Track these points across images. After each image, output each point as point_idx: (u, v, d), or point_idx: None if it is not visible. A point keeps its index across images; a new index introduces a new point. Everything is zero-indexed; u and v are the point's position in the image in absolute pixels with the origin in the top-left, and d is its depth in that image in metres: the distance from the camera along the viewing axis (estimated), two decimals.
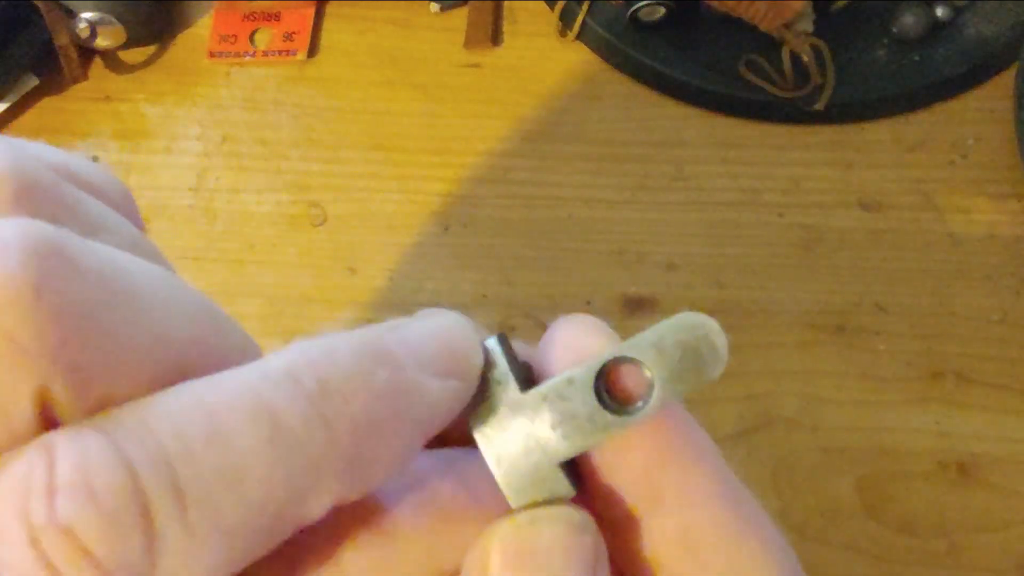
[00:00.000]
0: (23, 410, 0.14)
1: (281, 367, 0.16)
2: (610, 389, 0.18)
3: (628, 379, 0.18)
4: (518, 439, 0.18)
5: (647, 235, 0.49)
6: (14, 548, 0.13)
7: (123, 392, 0.15)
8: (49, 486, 0.13)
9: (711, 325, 0.18)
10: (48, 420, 0.15)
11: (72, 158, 0.18)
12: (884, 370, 0.45)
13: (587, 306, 0.47)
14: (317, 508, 0.16)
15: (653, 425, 0.18)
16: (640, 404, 0.18)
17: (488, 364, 0.19)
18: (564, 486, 0.18)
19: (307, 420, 0.15)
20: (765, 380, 0.45)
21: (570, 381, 0.18)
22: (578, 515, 0.18)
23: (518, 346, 0.20)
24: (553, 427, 0.18)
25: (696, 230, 0.49)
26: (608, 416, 0.18)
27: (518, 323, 0.46)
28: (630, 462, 0.18)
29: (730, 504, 0.18)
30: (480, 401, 0.19)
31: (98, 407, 0.15)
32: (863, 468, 0.43)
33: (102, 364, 0.15)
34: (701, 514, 0.18)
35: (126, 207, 0.19)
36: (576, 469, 0.19)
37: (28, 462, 0.14)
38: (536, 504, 0.18)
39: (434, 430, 0.18)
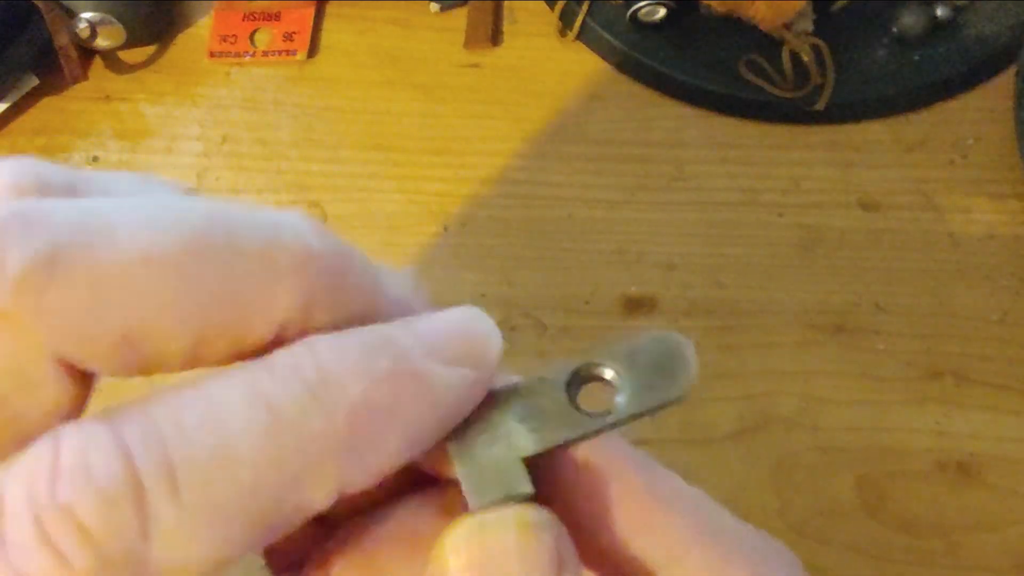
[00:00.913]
0: (38, 363, 0.15)
1: (284, 359, 0.16)
2: (580, 396, 0.18)
3: (600, 387, 0.18)
4: (483, 430, 0.18)
5: (647, 235, 0.49)
6: (20, 527, 0.14)
7: (132, 318, 0.15)
8: (53, 470, 0.14)
9: (685, 343, 0.18)
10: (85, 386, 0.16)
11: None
12: (884, 370, 0.45)
13: (587, 306, 0.47)
14: (320, 496, 0.16)
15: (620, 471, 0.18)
16: (610, 411, 0.18)
17: None
18: (524, 483, 0.18)
19: (302, 404, 0.15)
20: (764, 380, 0.45)
21: (542, 380, 0.18)
22: (536, 514, 0.17)
23: None
24: (521, 420, 0.18)
25: (696, 230, 0.49)
26: (577, 415, 0.18)
27: (518, 323, 0.46)
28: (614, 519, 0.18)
29: (711, 543, 0.18)
30: None
31: (123, 345, 0.15)
32: (863, 468, 0.43)
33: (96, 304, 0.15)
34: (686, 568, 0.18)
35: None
36: (540, 475, 0.19)
37: (37, 449, 0.15)
38: (494, 503, 0.17)
39: (448, 420, 0.17)
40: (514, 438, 0.18)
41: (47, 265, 0.15)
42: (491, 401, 0.18)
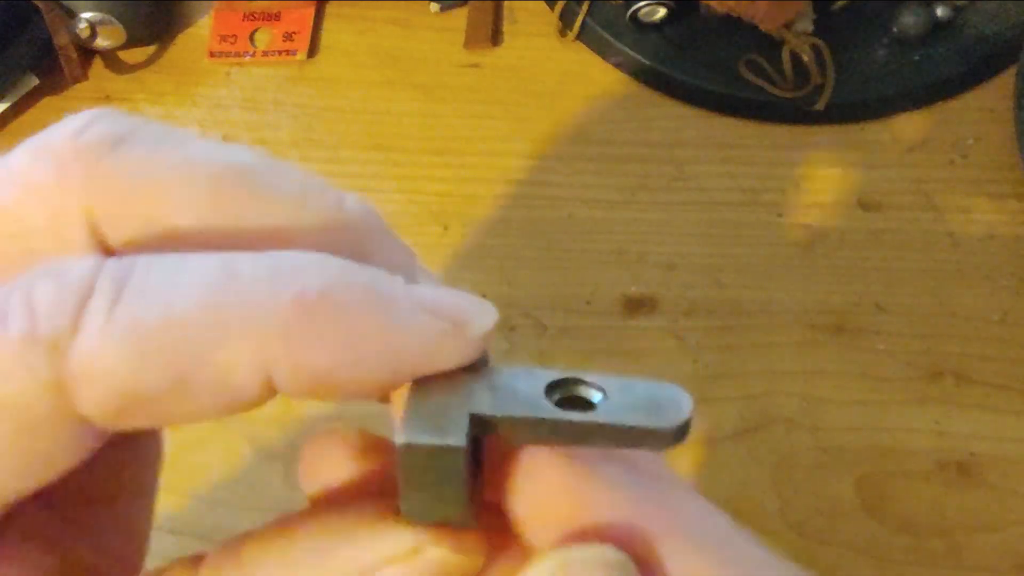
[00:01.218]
0: (75, 226, 0.17)
1: (271, 251, 0.17)
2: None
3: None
4: (449, 386, 0.17)
5: (647, 235, 0.49)
6: None
7: (161, 214, 0.17)
8: (41, 271, 0.16)
9: (686, 394, 0.17)
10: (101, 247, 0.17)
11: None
12: (884, 370, 0.45)
13: (587, 306, 0.47)
14: (242, 371, 0.16)
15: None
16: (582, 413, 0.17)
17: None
18: (459, 436, 0.16)
19: (259, 273, 0.16)
20: (765, 380, 0.45)
21: (529, 372, 0.18)
22: (614, 555, 0.17)
23: None
24: (490, 388, 0.17)
25: (696, 230, 0.49)
26: (545, 402, 0.17)
27: (518, 323, 0.46)
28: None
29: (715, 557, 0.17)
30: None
31: (144, 229, 0.17)
32: (863, 468, 0.43)
33: (135, 191, 0.17)
34: None
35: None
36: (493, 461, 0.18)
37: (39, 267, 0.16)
38: (422, 445, 0.17)
39: (409, 363, 0.17)
40: (475, 396, 0.17)
41: (114, 142, 0.17)
42: (469, 372, 0.17)
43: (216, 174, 0.17)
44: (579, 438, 0.17)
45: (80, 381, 0.15)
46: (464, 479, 0.17)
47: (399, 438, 0.16)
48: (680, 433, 0.17)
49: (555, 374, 0.18)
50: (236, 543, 0.18)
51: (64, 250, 0.17)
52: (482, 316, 0.17)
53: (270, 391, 0.16)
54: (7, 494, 0.16)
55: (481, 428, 0.17)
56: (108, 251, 0.17)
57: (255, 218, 0.18)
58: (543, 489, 0.18)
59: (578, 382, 0.17)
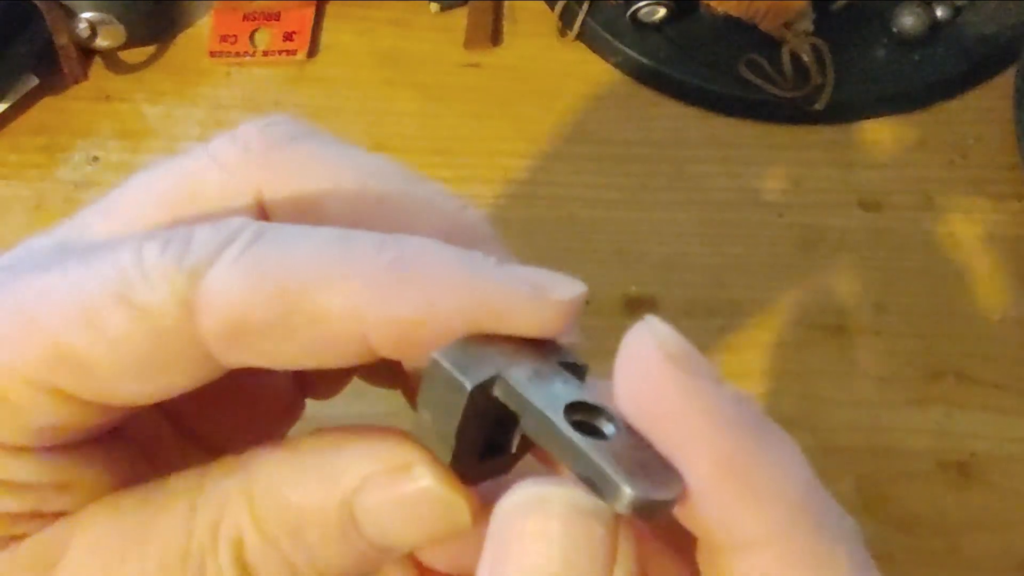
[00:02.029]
0: (244, 198, 0.20)
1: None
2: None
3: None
4: (510, 348, 0.18)
5: (647, 235, 0.49)
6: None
7: (315, 198, 0.21)
8: (209, 221, 0.19)
9: (678, 484, 0.17)
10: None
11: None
12: (884, 370, 0.45)
13: (587, 306, 0.47)
14: (339, 315, 0.18)
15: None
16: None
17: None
18: (473, 381, 0.17)
19: (367, 239, 0.19)
20: (765, 380, 0.45)
21: (582, 385, 0.18)
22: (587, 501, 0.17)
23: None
24: (535, 373, 0.18)
25: (696, 230, 0.49)
26: (559, 410, 0.17)
27: None
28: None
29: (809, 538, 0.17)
30: None
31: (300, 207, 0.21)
32: (863, 468, 0.43)
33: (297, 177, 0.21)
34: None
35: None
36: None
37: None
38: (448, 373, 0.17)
39: (492, 323, 0.18)
40: (515, 368, 0.18)
41: (291, 138, 0.21)
42: (537, 350, 0.18)
43: (365, 174, 0.21)
44: (562, 453, 0.17)
45: (205, 304, 0.18)
46: (461, 421, 0.17)
47: (435, 353, 0.18)
48: (641, 511, 0.16)
49: (591, 400, 0.18)
50: (245, 456, 0.20)
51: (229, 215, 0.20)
52: (566, 286, 0.19)
53: (362, 344, 0.18)
54: (123, 395, 0.18)
55: (501, 392, 0.17)
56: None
57: (390, 212, 0.20)
58: None
59: (601, 413, 0.17)
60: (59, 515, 0.19)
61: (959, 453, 0.43)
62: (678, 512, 0.17)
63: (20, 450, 0.19)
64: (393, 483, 0.18)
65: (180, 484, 0.19)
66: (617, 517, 0.16)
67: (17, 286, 0.19)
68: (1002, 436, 0.44)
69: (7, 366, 0.18)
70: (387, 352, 0.18)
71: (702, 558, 0.18)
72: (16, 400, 0.18)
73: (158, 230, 0.19)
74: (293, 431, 0.25)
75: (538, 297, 0.18)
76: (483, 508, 0.18)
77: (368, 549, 0.19)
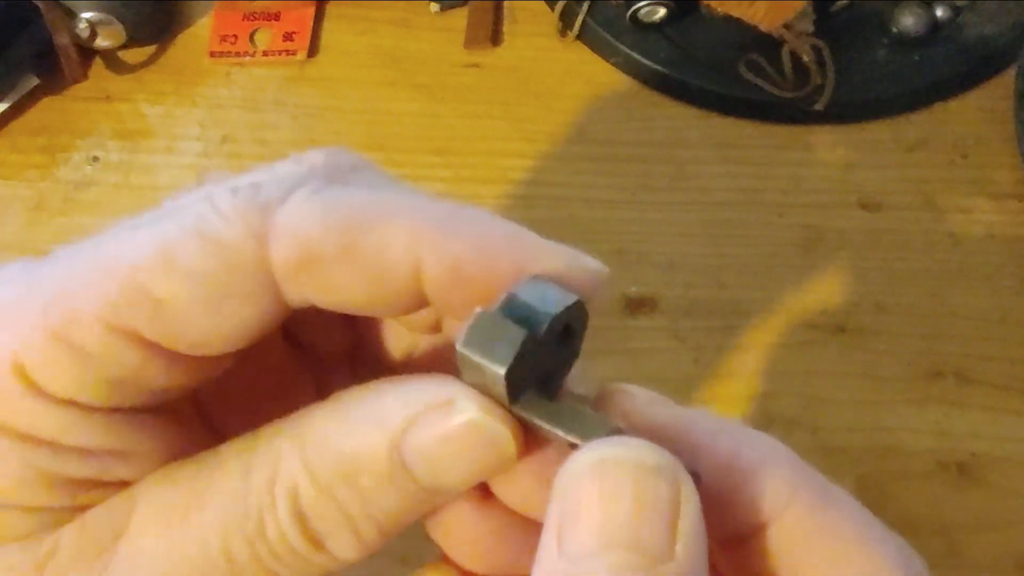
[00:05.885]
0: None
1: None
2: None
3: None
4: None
5: (647, 235, 0.49)
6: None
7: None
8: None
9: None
10: None
11: None
12: (884, 370, 0.45)
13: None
14: (397, 250, 0.19)
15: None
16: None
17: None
18: (507, 357, 0.18)
19: (428, 196, 0.21)
20: (765, 380, 0.45)
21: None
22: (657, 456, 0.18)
23: None
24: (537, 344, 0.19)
25: (696, 230, 0.49)
26: (535, 388, 0.19)
27: None
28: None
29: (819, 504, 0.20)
30: None
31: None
32: (863, 468, 0.43)
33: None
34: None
35: None
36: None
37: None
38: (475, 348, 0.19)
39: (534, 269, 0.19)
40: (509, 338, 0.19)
41: (352, 167, 0.22)
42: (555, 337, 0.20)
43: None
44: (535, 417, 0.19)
45: (276, 236, 0.19)
46: (515, 358, 0.18)
47: (475, 313, 0.19)
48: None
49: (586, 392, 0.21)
50: (293, 416, 0.20)
51: None
52: (597, 263, 0.20)
53: (416, 285, 0.19)
54: (193, 336, 0.19)
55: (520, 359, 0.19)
56: None
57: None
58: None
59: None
60: (120, 485, 0.20)
61: (959, 453, 0.43)
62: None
63: (89, 410, 0.19)
64: (437, 420, 0.19)
65: (232, 449, 0.20)
66: (679, 473, 0.18)
67: (103, 239, 0.20)
68: (1002, 436, 0.44)
69: (88, 313, 0.19)
70: (438, 293, 0.19)
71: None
72: (93, 348, 0.19)
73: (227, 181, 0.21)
74: None
75: (574, 260, 0.20)
76: (527, 443, 0.20)
77: (420, 491, 0.19)
